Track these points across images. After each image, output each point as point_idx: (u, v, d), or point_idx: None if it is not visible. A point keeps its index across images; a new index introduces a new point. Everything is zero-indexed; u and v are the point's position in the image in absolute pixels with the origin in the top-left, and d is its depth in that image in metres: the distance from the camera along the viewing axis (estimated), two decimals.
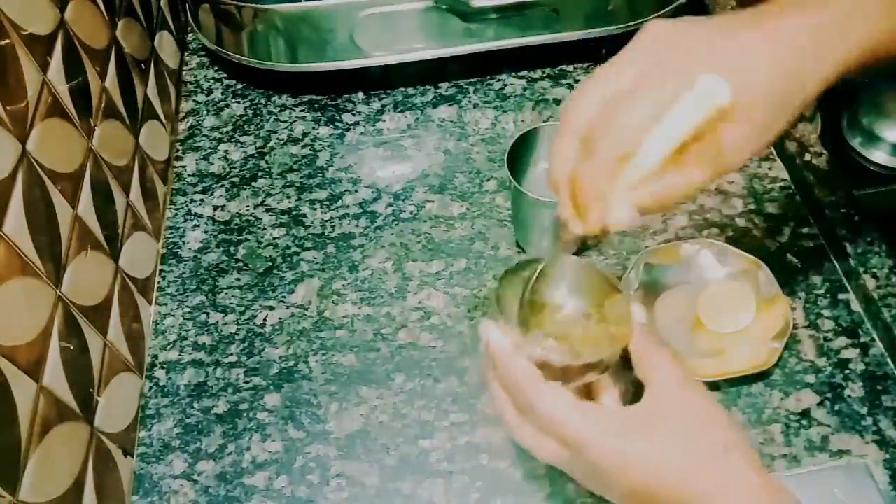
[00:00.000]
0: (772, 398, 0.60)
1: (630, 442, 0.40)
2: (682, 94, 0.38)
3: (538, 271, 0.47)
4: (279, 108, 0.83)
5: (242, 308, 0.68)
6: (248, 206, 0.75)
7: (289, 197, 0.75)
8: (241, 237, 0.73)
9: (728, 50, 0.40)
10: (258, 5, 0.74)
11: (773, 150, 0.75)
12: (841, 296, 0.65)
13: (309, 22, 0.75)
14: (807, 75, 0.40)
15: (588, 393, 0.45)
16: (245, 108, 0.83)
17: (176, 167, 0.79)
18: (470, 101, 0.82)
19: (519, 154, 0.65)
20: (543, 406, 0.41)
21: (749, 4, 0.42)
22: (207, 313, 0.68)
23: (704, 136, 0.39)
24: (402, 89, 0.84)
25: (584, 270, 0.48)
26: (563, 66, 0.84)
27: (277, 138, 0.80)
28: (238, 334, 0.66)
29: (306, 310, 0.67)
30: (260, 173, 0.77)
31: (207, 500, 0.58)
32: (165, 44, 0.83)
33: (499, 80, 0.84)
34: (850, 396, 0.60)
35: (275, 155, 0.79)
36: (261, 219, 0.74)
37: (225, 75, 0.86)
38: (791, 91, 0.40)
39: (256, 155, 0.79)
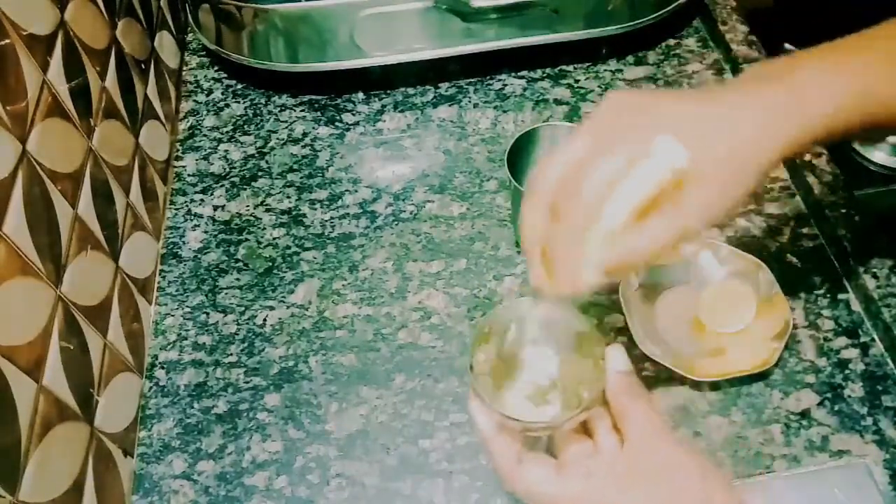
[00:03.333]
0: (772, 398, 0.60)
1: (605, 497, 0.42)
2: (640, 159, 0.40)
3: (511, 324, 0.49)
4: (279, 108, 0.83)
5: (242, 308, 0.68)
6: (248, 206, 0.75)
7: (289, 197, 0.75)
8: (241, 237, 0.73)
9: (686, 117, 0.41)
10: (258, 5, 0.74)
11: None
12: (841, 296, 0.65)
13: (309, 22, 0.75)
14: (764, 144, 0.41)
15: (582, 428, 0.46)
16: (245, 108, 0.83)
17: (176, 167, 0.79)
18: (470, 101, 0.82)
19: (519, 154, 0.65)
20: (520, 482, 0.44)
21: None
22: (207, 313, 0.68)
23: (663, 199, 0.40)
24: (402, 89, 0.84)
25: (559, 318, 0.49)
26: (563, 66, 0.84)
27: (277, 138, 0.80)
28: (238, 334, 0.66)
29: (306, 310, 0.67)
30: (260, 173, 0.77)
31: (207, 500, 0.58)
32: (165, 44, 0.83)
33: (499, 80, 0.84)
34: (850, 396, 0.60)
35: (275, 155, 0.79)
36: (261, 219, 0.74)
37: (225, 75, 0.86)
38: (748, 159, 0.41)
39: (256, 155, 0.79)
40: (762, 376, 0.60)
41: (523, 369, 0.49)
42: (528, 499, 0.45)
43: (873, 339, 0.63)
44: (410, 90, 0.84)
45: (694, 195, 0.40)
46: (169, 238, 0.73)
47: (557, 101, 0.81)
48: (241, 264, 0.71)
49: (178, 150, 0.80)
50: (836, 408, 0.59)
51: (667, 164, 0.40)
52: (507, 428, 0.45)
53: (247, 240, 0.72)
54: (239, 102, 0.84)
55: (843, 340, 0.63)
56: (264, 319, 0.67)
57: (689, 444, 0.44)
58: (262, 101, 0.84)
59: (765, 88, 0.42)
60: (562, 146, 0.44)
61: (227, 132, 0.81)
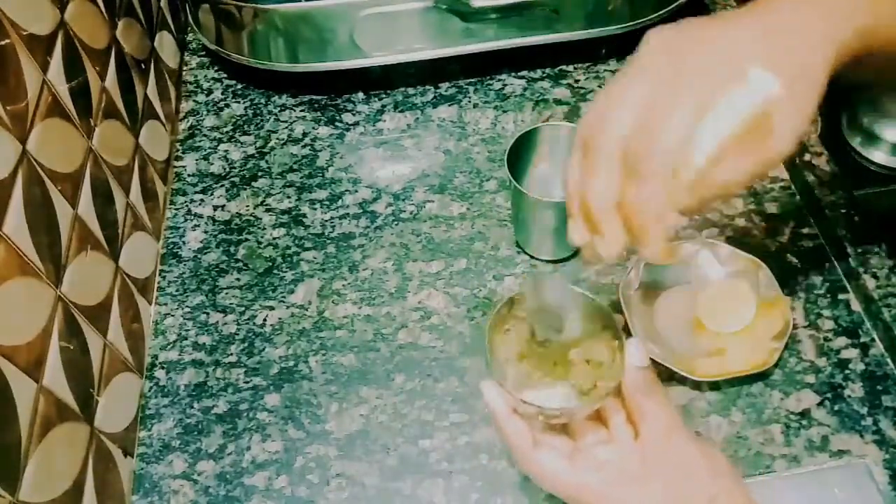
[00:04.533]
0: (772, 398, 0.60)
1: (616, 489, 0.42)
2: (727, 92, 0.37)
3: (529, 308, 0.49)
4: (279, 108, 0.83)
5: (242, 308, 0.68)
6: (248, 206, 0.75)
7: (289, 197, 0.75)
8: (241, 237, 0.73)
9: (749, 40, 0.38)
10: (258, 5, 0.74)
11: None
12: (841, 296, 0.65)
13: (309, 22, 0.75)
14: (828, 47, 0.38)
15: (598, 415, 0.46)
16: (245, 108, 0.83)
17: (176, 167, 0.79)
18: (470, 101, 0.82)
19: (519, 154, 0.65)
20: (535, 466, 0.44)
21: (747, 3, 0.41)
22: (207, 313, 0.68)
23: (753, 128, 0.38)
24: (402, 89, 0.84)
25: (579, 304, 0.49)
26: (563, 66, 0.84)
27: (277, 138, 0.80)
28: (238, 334, 0.66)
29: (306, 310, 0.67)
30: (260, 173, 0.77)
31: (207, 500, 0.58)
32: (165, 44, 0.83)
33: (499, 80, 0.84)
34: (850, 396, 0.60)
35: (275, 155, 0.79)
36: (261, 219, 0.74)
37: (225, 75, 0.86)
38: (818, 67, 0.38)
39: (256, 155, 0.79)
40: (762, 376, 0.60)
41: (540, 355, 0.49)
42: (540, 482, 0.45)
43: (873, 339, 0.63)
44: (410, 90, 0.84)
45: (783, 119, 0.38)
46: (169, 238, 0.73)
47: (557, 101, 0.81)
48: (241, 264, 0.71)
49: (178, 150, 0.80)
50: (836, 408, 0.59)
51: (762, 94, 0.37)
52: (521, 413, 0.45)
53: (247, 240, 0.72)
54: (239, 102, 0.84)
55: (843, 340, 0.63)
56: (264, 319, 0.67)
57: (703, 441, 0.44)
58: (262, 101, 0.84)
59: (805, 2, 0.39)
60: (612, 93, 0.40)
61: (227, 132, 0.81)
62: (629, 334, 0.60)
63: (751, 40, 0.39)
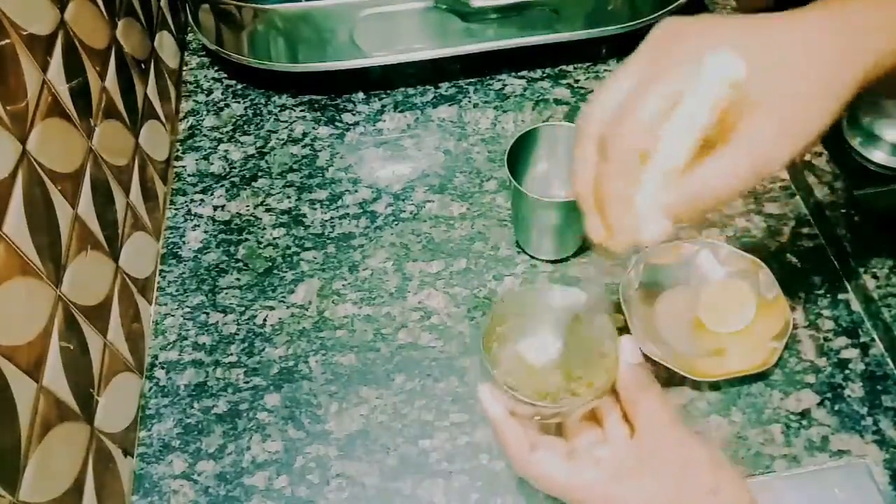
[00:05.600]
0: (772, 398, 0.60)
1: (615, 486, 0.42)
2: (694, 80, 0.35)
3: (525, 308, 0.49)
4: (279, 108, 0.83)
5: (242, 308, 0.68)
6: (248, 206, 0.75)
7: (289, 197, 0.75)
8: (241, 237, 0.73)
9: (751, 36, 0.37)
10: (258, 5, 0.74)
11: None
12: (841, 296, 0.65)
13: (309, 22, 0.75)
14: (845, 68, 0.37)
15: (592, 416, 0.46)
16: (245, 108, 0.83)
17: (176, 167, 0.79)
18: (470, 101, 0.82)
19: (519, 154, 0.65)
20: (532, 469, 0.44)
21: (747, 8, 0.41)
22: (207, 313, 0.68)
23: (728, 128, 0.36)
24: (402, 89, 0.84)
25: (574, 305, 0.49)
26: (563, 66, 0.84)
27: (277, 138, 0.80)
28: (238, 334, 0.66)
29: (306, 310, 0.67)
30: (260, 173, 0.77)
31: (207, 500, 0.58)
32: (165, 44, 0.83)
33: (499, 80, 0.84)
34: (850, 396, 0.60)
35: (275, 155, 0.79)
36: (261, 219, 0.74)
37: (225, 75, 0.86)
38: (826, 85, 0.37)
39: (256, 155, 0.79)
40: (762, 376, 0.60)
41: (536, 356, 0.49)
42: (538, 484, 0.45)
43: (873, 339, 0.63)
44: (410, 90, 0.84)
45: (764, 121, 0.36)
46: (169, 238, 0.73)
47: (557, 101, 0.81)
48: (241, 264, 0.71)
49: (178, 150, 0.80)
50: (836, 408, 0.59)
51: (722, 78, 0.35)
52: (517, 413, 0.45)
53: (247, 240, 0.72)
54: (239, 102, 0.84)
55: (843, 340, 0.63)
56: (264, 319, 0.67)
57: (700, 437, 0.44)
58: (262, 101, 0.84)
59: (850, 6, 0.37)
60: (607, 82, 0.40)
61: (227, 132, 0.81)
62: (629, 333, 0.60)
63: (752, 36, 0.37)
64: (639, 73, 0.39)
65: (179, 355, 0.65)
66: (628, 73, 0.40)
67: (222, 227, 0.74)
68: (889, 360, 0.61)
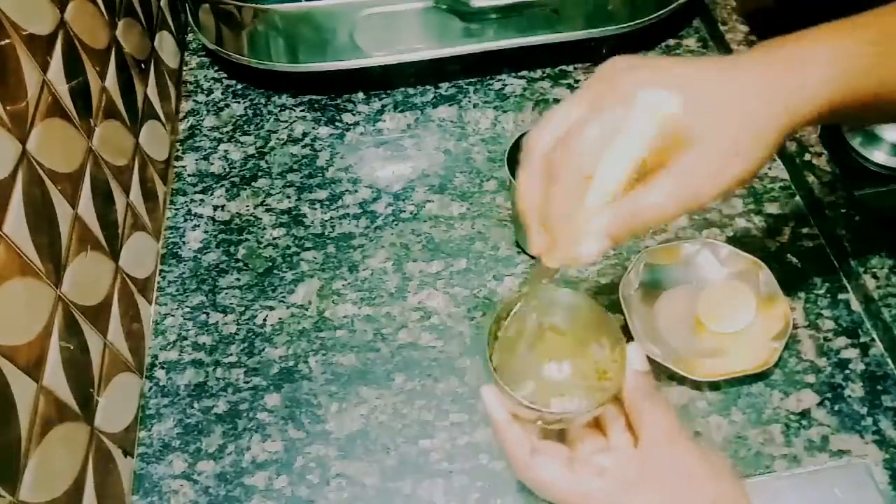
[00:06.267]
0: (772, 398, 0.60)
1: (615, 496, 0.42)
2: (631, 114, 0.39)
3: (530, 312, 0.49)
4: (279, 108, 0.83)
5: (242, 308, 0.68)
6: (248, 206, 0.75)
7: (289, 197, 0.75)
8: (241, 237, 0.73)
9: (686, 77, 0.40)
10: (258, 5, 0.74)
11: None
12: (841, 296, 0.65)
13: (309, 22, 0.75)
14: (768, 116, 0.40)
15: (596, 423, 0.46)
16: (245, 108, 0.83)
17: (176, 167, 0.79)
18: (470, 101, 0.82)
19: (519, 154, 0.65)
20: (533, 474, 0.44)
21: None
22: (207, 313, 0.68)
23: (665, 157, 0.39)
24: (402, 89, 0.84)
25: (581, 309, 0.49)
26: (563, 66, 0.84)
27: (277, 138, 0.80)
28: (238, 334, 0.66)
29: (306, 310, 0.67)
30: (260, 173, 0.77)
31: (207, 500, 0.58)
32: (165, 44, 0.83)
33: (499, 80, 0.84)
34: (850, 396, 0.60)
35: (275, 155, 0.79)
36: (261, 219, 0.74)
37: (225, 75, 0.86)
38: (753, 127, 0.40)
39: (256, 155, 0.79)
40: (762, 376, 0.60)
41: (541, 360, 0.49)
42: (538, 490, 0.45)
43: (873, 339, 0.63)
44: (410, 90, 0.84)
45: (697, 157, 0.39)
46: (169, 238, 0.73)
47: (557, 101, 0.81)
48: (241, 264, 0.71)
49: (178, 150, 0.80)
50: (836, 408, 0.59)
51: (653, 111, 0.38)
52: (520, 419, 0.45)
53: (247, 240, 0.72)
54: (239, 102, 0.84)
55: (843, 340, 0.63)
56: (264, 319, 0.67)
57: (704, 447, 0.44)
58: (262, 101, 0.84)
59: (768, 60, 0.41)
60: (555, 108, 0.43)
61: (227, 132, 0.81)
62: (629, 336, 0.60)
63: (688, 77, 0.40)
64: (585, 103, 0.42)
65: (179, 355, 0.65)
66: (575, 102, 0.42)
67: (222, 227, 0.74)
68: (889, 360, 0.61)
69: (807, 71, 0.40)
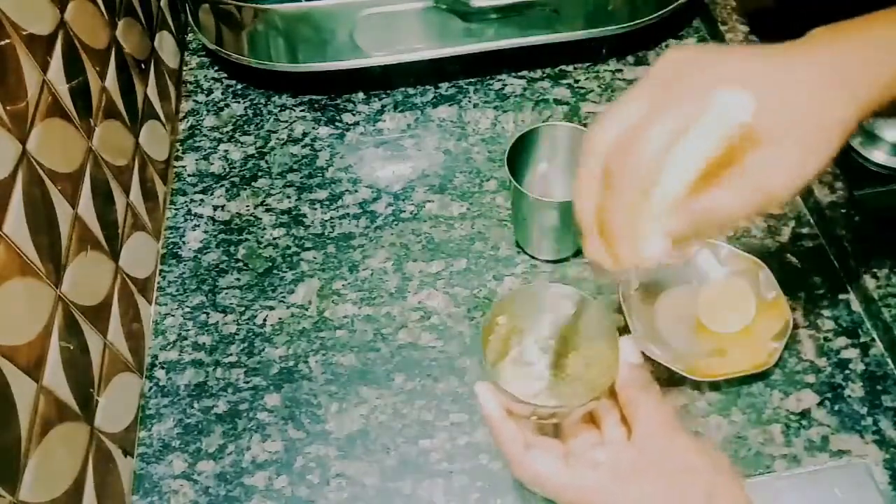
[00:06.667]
0: (772, 398, 0.60)
1: (610, 489, 0.42)
2: (702, 115, 0.37)
3: (525, 309, 0.49)
4: (279, 108, 0.83)
5: (242, 308, 0.68)
6: (248, 206, 0.75)
7: (289, 197, 0.75)
8: (241, 237, 0.73)
9: (755, 72, 0.39)
10: (258, 5, 0.74)
11: None
12: (841, 296, 0.65)
13: (309, 22, 0.75)
14: (842, 102, 0.38)
15: (590, 418, 0.46)
16: (245, 108, 0.83)
17: (176, 167, 0.79)
18: (470, 101, 0.82)
19: (519, 154, 0.65)
20: (528, 469, 0.44)
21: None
22: (207, 313, 0.68)
23: (733, 159, 0.38)
24: (402, 89, 0.84)
25: (574, 304, 0.49)
26: (563, 66, 0.84)
27: (277, 138, 0.80)
28: (238, 334, 0.66)
29: (306, 310, 0.67)
30: (260, 173, 0.77)
31: (207, 500, 0.58)
32: (165, 44, 0.83)
33: (499, 80, 0.84)
34: (850, 396, 0.60)
35: (275, 155, 0.79)
36: (261, 219, 0.74)
37: (225, 75, 0.86)
38: (827, 117, 0.38)
39: (256, 155, 0.79)
40: (762, 376, 0.60)
41: (535, 356, 0.49)
42: (533, 486, 0.44)
43: (873, 339, 0.63)
44: (410, 90, 0.84)
45: (771, 156, 0.38)
46: (169, 238, 0.73)
47: (557, 101, 0.81)
48: (241, 264, 0.71)
49: (178, 150, 0.80)
50: (836, 408, 0.59)
51: (730, 117, 0.37)
52: (514, 414, 0.45)
53: (247, 240, 0.72)
54: (239, 102, 0.84)
55: (843, 340, 0.63)
56: (264, 319, 0.67)
57: (699, 439, 0.44)
58: (262, 101, 0.84)
59: (840, 46, 0.39)
60: (616, 105, 0.41)
61: (227, 132, 0.81)
62: (628, 334, 0.60)
63: (756, 71, 0.38)
64: (647, 100, 0.40)
65: (179, 355, 0.65)
66: (637, 98, 0.40)
67: (222, 227, 0.74)
68: (889, 360, 0.61)
69: (880, 56, 0.38)
